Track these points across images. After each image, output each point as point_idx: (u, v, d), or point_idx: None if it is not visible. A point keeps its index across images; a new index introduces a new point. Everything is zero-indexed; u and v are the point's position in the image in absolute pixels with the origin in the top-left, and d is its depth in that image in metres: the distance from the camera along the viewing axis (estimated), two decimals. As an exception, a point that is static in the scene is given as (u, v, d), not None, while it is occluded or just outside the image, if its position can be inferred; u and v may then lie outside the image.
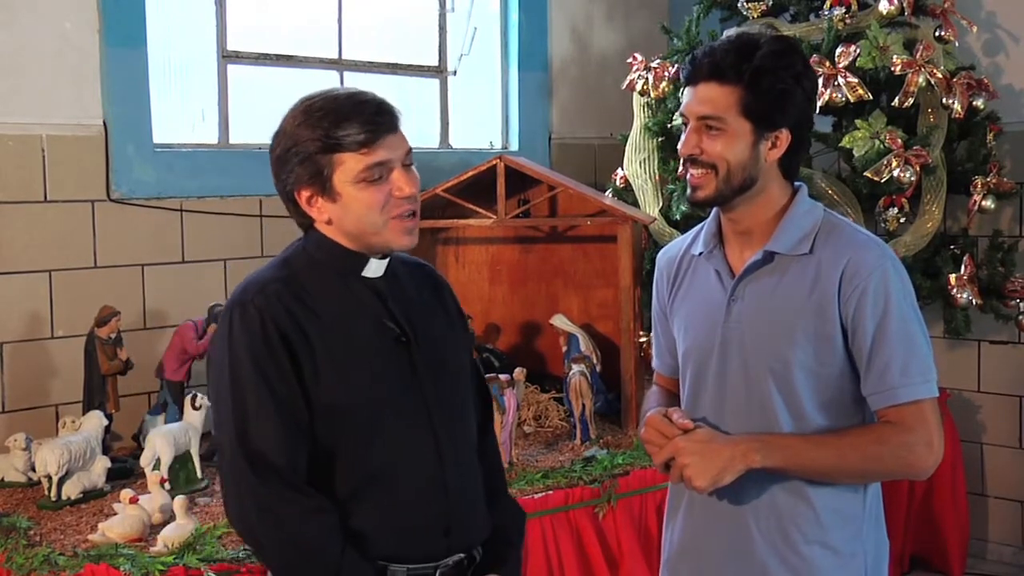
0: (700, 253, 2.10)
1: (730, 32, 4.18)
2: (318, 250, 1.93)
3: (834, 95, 3.84)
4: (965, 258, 4.06)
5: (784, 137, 1.97)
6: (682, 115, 2.03)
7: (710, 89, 1.96)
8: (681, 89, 2.09)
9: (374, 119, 1.85)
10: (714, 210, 2.10)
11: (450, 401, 1.98)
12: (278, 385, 1.81)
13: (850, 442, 1.93)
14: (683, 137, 2.01)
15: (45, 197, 3.61)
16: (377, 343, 1.90)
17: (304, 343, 1.83)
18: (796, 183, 2.06)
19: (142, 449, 3.17)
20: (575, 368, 3.64)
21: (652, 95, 4.32)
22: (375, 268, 1.95)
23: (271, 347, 1.82)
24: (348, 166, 1.84)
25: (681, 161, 2.03)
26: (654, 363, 2.31)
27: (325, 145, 1.83)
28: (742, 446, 1.90)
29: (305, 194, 1.88)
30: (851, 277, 1.92)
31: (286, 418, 1.81)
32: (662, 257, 2.23)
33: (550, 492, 3.13)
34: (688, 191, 2.03)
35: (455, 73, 4.98)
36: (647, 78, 4.32)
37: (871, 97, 3.88)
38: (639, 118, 4.44)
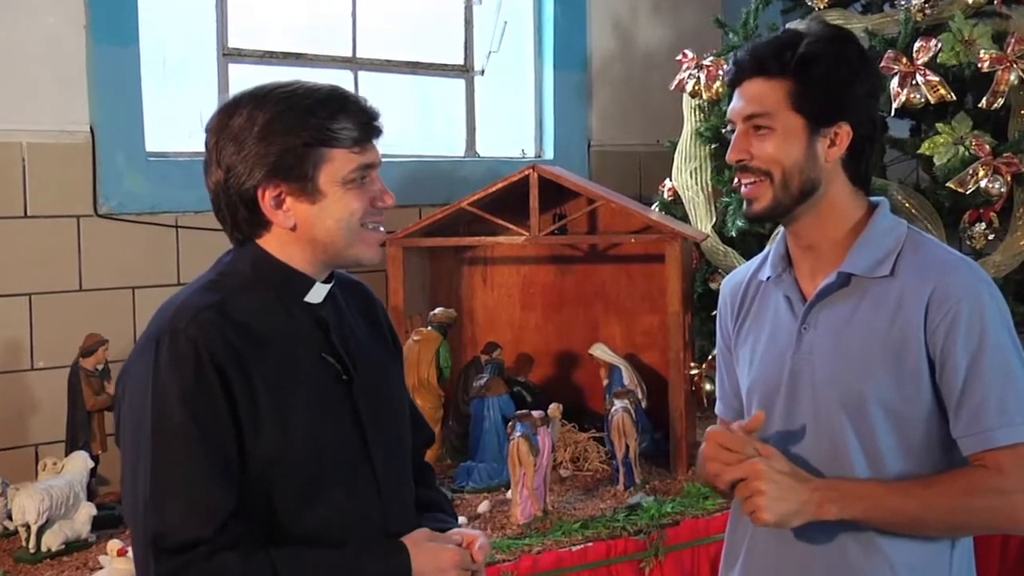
0: (768, 278, 2.09)
1: (792, 25, 4.18)
2: (255, 269, 1.87)
3: (912, 96, 3.82)
4: (1064, 280, 4.02)
5: (844, 133, 1.96)
6: (728, 121, 2.03)
7: (755, 86, 1.97)
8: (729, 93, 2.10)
9: (364, 117, 1.85)
10: (781, 229, 2.10)
11: (392, 442, 1.96)
12: (212, 435, 1.72)
13: (938, 492, 1.90)
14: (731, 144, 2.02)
15: (25, 212, 3.64)
16: (319, 382, 1.86)
17: (244, 383, 1.76)
18: (875, 199, 2.05)
19: (131, 494, 3.17)
20: (618, 404, 3.62)
21: (704, 96, 4.31)
22: (318, 292, 1.91)
23: (206, 387, 1.73)
24: (338, 164, 1.82)
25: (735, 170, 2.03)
26: (717, 407, 2.30)
27: (317, 137, 1.80)
28: (819, 494, 1.88)
29: (272, 193, 1.82)
30: (940, 303, 1.90)
31: (216, 475, 1.72)
32: (726, 285, 2.23)
33: (590, 544, 3.11)
34: (744, 205, 2.03)
35: (483, 73, 5.00)
36: (698, 77, 4.30)
37: (954, 98, 3.84)
38: (689, 122, 4.43)
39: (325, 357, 1.88)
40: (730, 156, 2.01)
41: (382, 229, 1.91)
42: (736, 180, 2.05)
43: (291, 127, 1.81)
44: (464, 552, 1.89)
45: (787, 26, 2.28)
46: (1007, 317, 1.95)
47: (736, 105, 2.00)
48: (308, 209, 1.84)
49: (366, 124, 1.85)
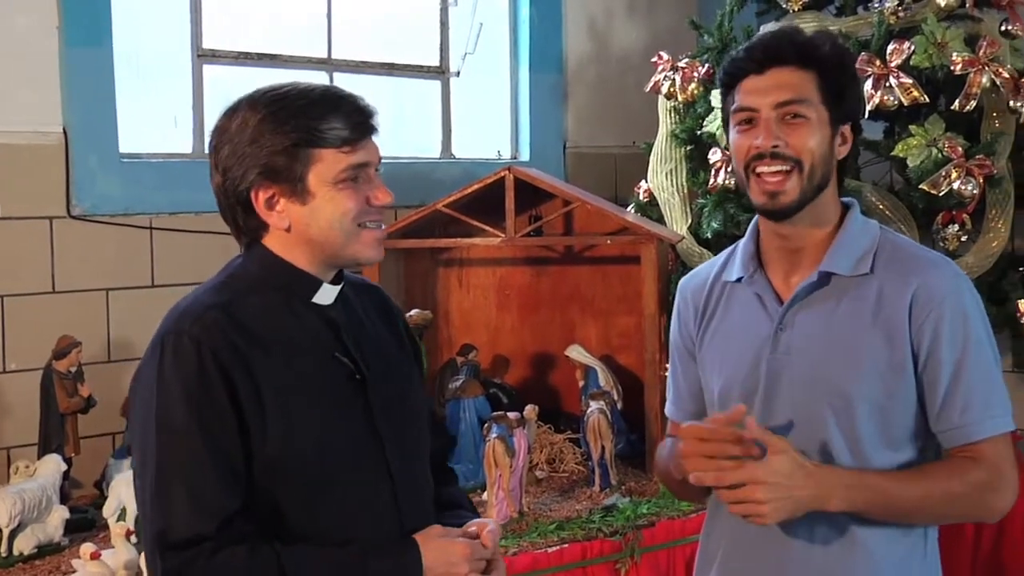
0: (739, 279, 2.09)
1: (767, 27, 4.20)
2: (263, 270, 1.89)
3: (885, 98, 3.84)
4: (1036, 281, 4.05)
5: (848, 134, 2.02)
6: (743, 109, 1.97)
7: (786, 74, 1.96)
8: (721, 86, 2.07)
9: (357, 117, 1.86)
10: (750, 229, 2.11)
11: (409, 442, 1.97)
12: (216, 434, 1.75)
13: (933, 482, 1.93)
14: (734, 138, 1.98)
15: (-3, 213, 3.62)
16: (329, 382, 1.88)
17: (248, 384, 1.78)
18: (845, 200, 2.08)
19: (105, 497, 3.16)
20: (593, 405, 3.63)
21: (680, 98, 4.32)
22: (327, 294, 1.92)
23: (209, 387, 1.76)
24: (327, 164, 1.83)
25: (743, 164, 1.96)
26: (668, 410, 2.29)
27: (304, 138, 1.82)
28: (824, 488, 1.87)
29: (265, 195, 1.84)
30: (924, 302, 1.93)
31: (222, 474, 1.75)
32: (686, 285, 2.21)
33: (565, 545, 3.12)
34: (764, 199, 1.96)
35: (458, 74, 5.00)
36: (674, 79, 4.31)
37: (927, 100, 3.87)
38: (665, 124, 4.44)
39: (338, 357, 1.89)
40: (761, 142, 1.94)
41: (383, 227, 1.92)
42: (737, 171, 2.00)
43: (279, 128, 1.82)
44: (474, 544, 1.90)
45: (781, 28, 2.30)
46: (983, 312, 1.99)
47: (763, 91, 1.95)
48: (300, 210, 1.85)
49: (359, 123, 1.86)
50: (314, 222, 1.85)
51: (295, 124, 1.82)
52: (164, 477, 1.75)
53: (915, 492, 1.92)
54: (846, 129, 2.01)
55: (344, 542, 1.82)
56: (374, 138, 1.90)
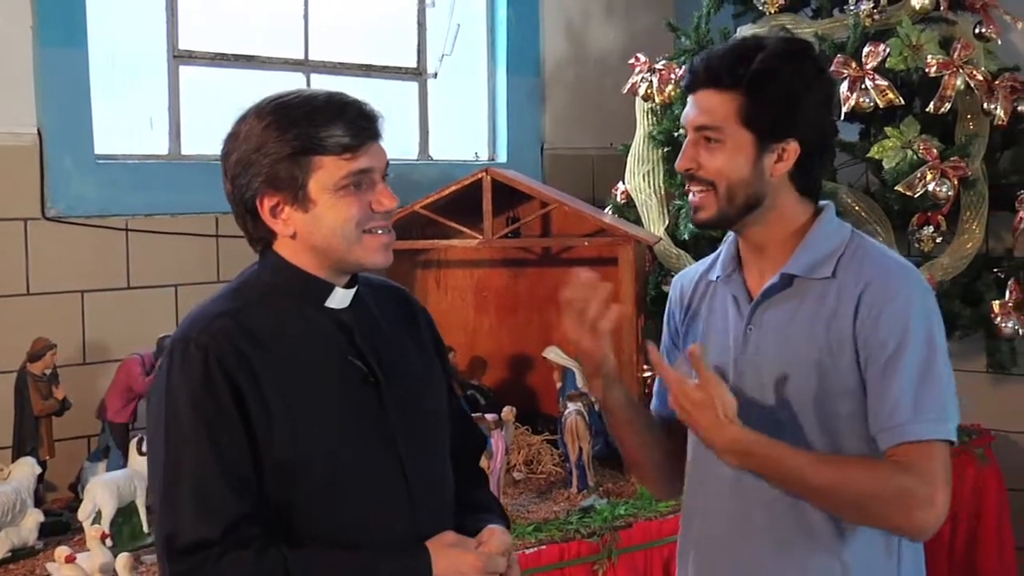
0: (718, 278, 2.13)
1: (743, 29, 4.22)
2: (275, 276, 1.92)
3: (861, 100, 3.86)
4: (1010, 282, 4.05)
5: (792, 150, 1.98)
6: (682, 127, 2.06)
7: (708, 97, 1.99)
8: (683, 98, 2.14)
9: (360, 122, 1.87)
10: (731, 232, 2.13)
11: (426, 445, 1.97)
12: (222, 439, 1.78)
13: (850, 472, 1.90)
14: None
15: (-30, 215, 3.60)
16: (341, 386, 1.89)
17: (255, 390, 1.81)
18: (822, 202, 2.09)
19: (80, 500, 3.14)
20: (571, 407, 3.63)
21: (657, 100, 4.33)
22: (340, 298, 1.94)
23: (215, 394, 1.79)
24: (328, 171, 1.84)
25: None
26: (652, 404, 2.31)
27: (304, 146, 1.83)
28: (723, 442, 1.90)
29: (269, 203, 1.86)
30: (869, 301, 1.93)
31: (229, 479, 1.78)
32: (677, 282, 2.26)
33: (543, 547, 3.11)
34: (692, 212, 2.06)
35: (436, 76, 4.99)
36: (651, 81, 4.33)
37: (903, 102, 3.89)
38: (642, 126, 4.46)
39: (351, 360, 1.90)
40: (679, 164, 2.03)
41: (391, 232, 1.92)
42: (686, 186, 2.09)
43: (282, 136, 1.84)
44: (488, 557, 1.90)
45: (747, 34, 2.32)
46: (935, 319, 1.97)
47: (688, 113, 2.03)
48: (303, 217, 1.87)
49: (361, 129, 1.87)
50: (317, 229, 1.87)
51: (296, 132, 1.83)
52: (172, 482, 1.79)
53: (823, 477, 1.89)
54: (788, 145, 1.98)
55: (356, 543, 1.84)
56: (380, 143, 1.91)
